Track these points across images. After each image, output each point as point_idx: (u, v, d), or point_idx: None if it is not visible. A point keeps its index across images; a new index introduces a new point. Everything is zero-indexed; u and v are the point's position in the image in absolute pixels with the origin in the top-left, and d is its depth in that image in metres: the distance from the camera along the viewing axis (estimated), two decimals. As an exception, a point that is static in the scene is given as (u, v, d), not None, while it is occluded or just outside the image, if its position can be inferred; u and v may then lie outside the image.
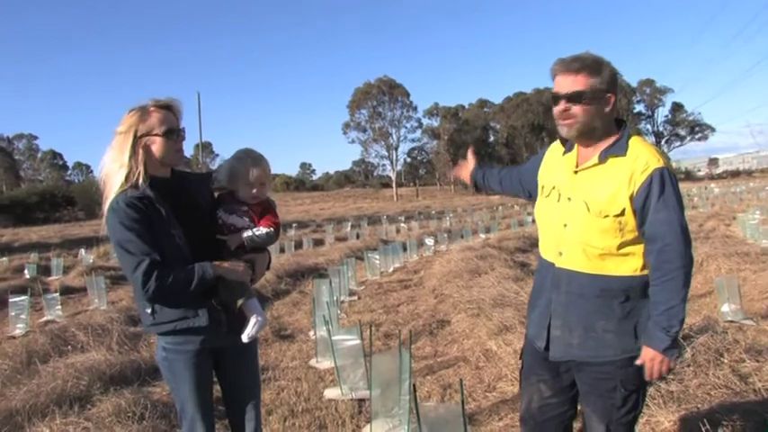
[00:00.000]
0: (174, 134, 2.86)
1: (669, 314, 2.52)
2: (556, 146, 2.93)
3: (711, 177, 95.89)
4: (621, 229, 2.58)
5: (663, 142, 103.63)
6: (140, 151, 2.79)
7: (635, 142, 2.65)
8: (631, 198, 2.55)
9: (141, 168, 2.78)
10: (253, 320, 3.01)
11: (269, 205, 3.17)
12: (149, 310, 2.83)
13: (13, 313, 9.20)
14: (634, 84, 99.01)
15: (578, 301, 2.68)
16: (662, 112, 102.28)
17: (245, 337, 2.99)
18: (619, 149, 2.62)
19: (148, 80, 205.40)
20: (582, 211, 2.63)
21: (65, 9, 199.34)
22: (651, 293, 2.59)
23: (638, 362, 2.59)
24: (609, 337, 2.65)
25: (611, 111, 2.64)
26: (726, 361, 4.90)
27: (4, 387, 5.73)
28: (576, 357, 2.72)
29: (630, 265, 2.62)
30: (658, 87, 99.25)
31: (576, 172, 2.70)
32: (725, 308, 7.19)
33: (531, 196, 3.10)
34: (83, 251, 21.51)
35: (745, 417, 4.00)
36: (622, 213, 2.56)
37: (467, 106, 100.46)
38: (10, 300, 9.40)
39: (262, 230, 3.06)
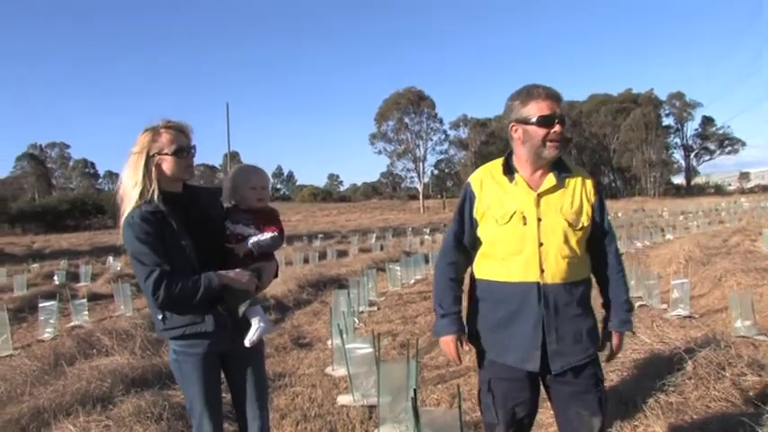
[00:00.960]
0: (183, 152, 3.09)
1: (629, 300, 3.07)
2: (488, 178, 3.06)
3: (742, 192, 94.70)
4: (586, 237, 2.97)
5: (692, 156, 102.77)
6: (153, 169, 3.03)
7: (570, 163, 3.04)
8: (592, 208, 2.96)
9: (155, 185, 3.02)
10: (255, 326, 3.21)
11: (272, 213, 3.39)
12: (160, 317, 3.05)
13: (42, 318, 9.53)
14: (663, 97, 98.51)
15: (565, 310, 2.89)
16: (691, 126, 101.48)
17: (247, 342, 3.20)
18: (567, 170, 2.98)
19: (179, 90, 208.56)
20: (561, 226, 2.88)
21: (97, 17, 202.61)
22: (613, 285, 3.07)
23: (614, 347, 3.08)
24: (588, 336, 2.95)
25: None
26: (727, 374, 4.98)
27: (33, 387, 5.99)
28: (572, 364, 2.91)
29: (587, 269, 3.05)
30: (687, 102, 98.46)
31: (538, 196, 2.91)
32: (738, 323, 7.24)
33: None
34: (111, 258, 21.98)
35: (739, 429, 4.11)
36: (589, 223, 2.95)
37: (492, 118, 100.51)
38: (40, 305, 9.73)
39: (266, 236, 3.26)
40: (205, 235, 3.13)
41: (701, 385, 4.87)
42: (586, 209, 2.94)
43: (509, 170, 3.01)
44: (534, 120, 2.85)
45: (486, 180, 3.07)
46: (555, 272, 2.87)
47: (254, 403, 3.34)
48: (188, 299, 2.97)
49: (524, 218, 2.90)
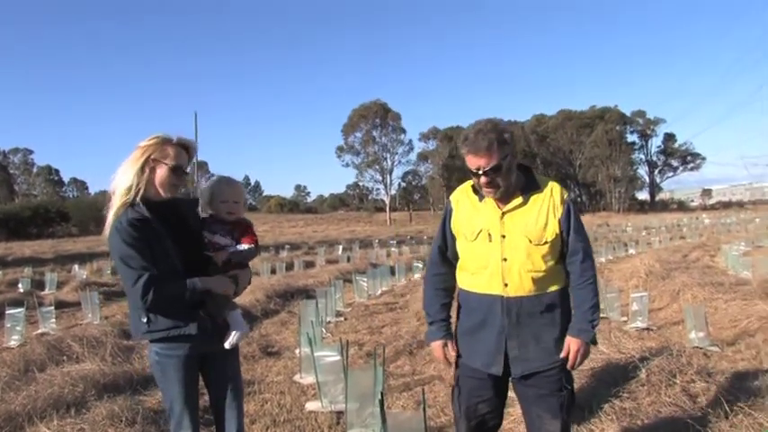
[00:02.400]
0: (179, 171, 3.24)
1: (592, 310, 3.14)
2: (463, 196, 3.31)
3: (704, 208, 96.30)
4: (554, 252, 3.13)
5: (656, 172, 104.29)
6: (146, 171, 3.17)
7: (543, 179, 3.21)
8: (559, 223, 3.10)
9: (142, 186, 3.15)
10: (234, 330, 3.39)
11: (248, 225, 3.56)
12: (145, 319, 3.16)
13: (8, 325, 9.46)
14: (628, 113, 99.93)
15: (528, 320, 3.12)
16: (655, 142, 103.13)
17: (227, 345, 3.37)
18: (536, 187, 3.16)
19: (146, 99, 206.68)
20: (523, 243, 3.09)
21: (64, 22, 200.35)
22: (576, 295, 3.18)
23: (562, 354, 3.12)
24: (557, 344, 3.13)
25: (516, 162, 3.11)
26: (678, 381, 5.25)
27: (4, 392, 6.01)
28: (534, 369, 3.13)
29: (559, 280, 3.19)
30: (650, 119, 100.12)
31: (503, 214, 3.13)
32: (692, 335, 7.52)
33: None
34: (76, 267, 21.77)
35: (683, 430, 4.37)
36: (555, 238, 3.10)
37: (465, 127, 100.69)
38: (6, 312, 9.68)
39: (244, 247, 3.45)
40: (185, 243, 3.26)
41: (653, 391, 5.13)
42: (552, 224, 3.10)
43: (478, 190, 3.20)
44: (468, 167, 3.08)
45: (461, 198, 3.31)
46: (518, 286, 3.09)
47: (232, 403, 3.48)
48: (174, 302, 3.12)
49: (489, 235, 3.13)
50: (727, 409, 4.42)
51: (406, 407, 5.76)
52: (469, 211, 3.24)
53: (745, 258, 15.67)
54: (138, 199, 3.14)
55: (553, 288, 3.15)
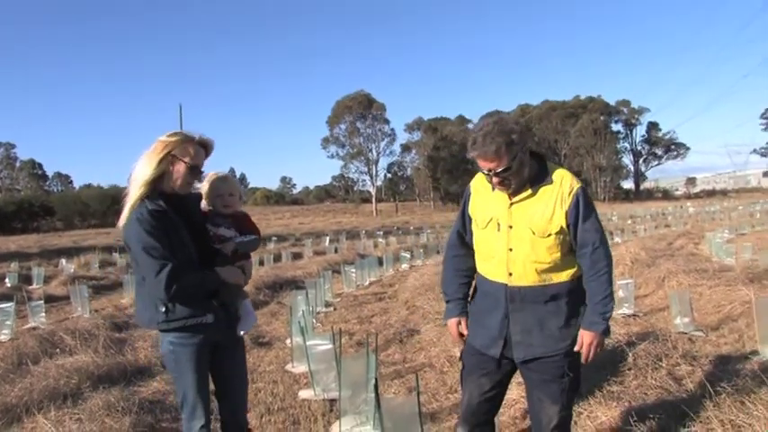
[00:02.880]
0: (196, 170, 3.31)
1: (604, 302, 3.10)
2: (480, 184, 3.34)
3: (689, 197, 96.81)
4: (561, 244, 3.12)
5: (641, 161, 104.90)
6: (166, 166, 3.23)
7: (555, 169, 3.19)
8: (566, 215, 3.09)
9: (161, 180, 3.23)
10: (246, 318, 3.56)
11: (247, 217, 3.68)
12: (163, 309, 3.20)
13: (-1, 319, 9.49)
14: (612, 103, 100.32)
15: (532, 307, 3.17)
16: (639, 132, 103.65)
17: (240, 332, 3.53)
18: (546, 178, 3.16)
19: (131, 91, 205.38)
20: (527, 235, 3.11)
21: (46, 16, 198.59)
22: (588, 287, 3.16)
23: (576, 347, 3.14)
24: (561, 332, 3.16)
25: (528, 156, 3.11)
26: (664, 365, 5.37)
27: (-1, 385, 6.08)
28: (537, 354, 3.18)
29: (569, 272, 3.17)
30: (635, 108, 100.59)
31: (511, 204, 3.16)
32: (677, 320, 7.65)
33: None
34: (63, 261, 21.76)
35: (670, 412, 4.49)
36: (561, 231, 3.09)
37: (453, 119, 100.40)
38: (-3, 306, 9.67)
39: (249, 237, 3.56)
40: (195, 235, 3.34)
41: (639, 375, 5.26)
42: (558, 216, 3.08)
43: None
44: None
45: (478, 186, 3.36)
46: (522, 276, 3.14)
47: (239, 390, 3.62)
48: (195, 291, 3.22)
49: (498, 224, 3.18)
50: (711, 390, 4.53)
51: (397, 394, 5.84)
52: (484, 198, 3.28)
53: (729, 245, 15.94)
54: (151, 189, 3.20)
55: (560, 278, 3.16)
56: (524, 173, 3.10)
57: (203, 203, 3.58)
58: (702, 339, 7.11)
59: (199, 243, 3.35)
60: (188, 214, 3.38)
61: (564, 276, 3.17)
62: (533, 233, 3.10)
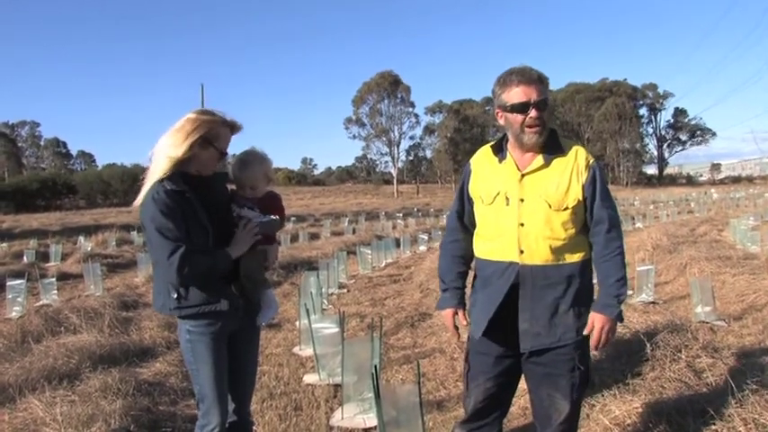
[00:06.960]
0: (224, 155, 3.17)
1: (619, 284, 2.91)
2: (483, 158, 3.15)
3: (713, 183, 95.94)
4: (576, 219, 2.92)
5: (665, 146, 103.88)
6: (196, 148, 3.03)
7: (568, 142, 3.00)
8: (582, 189, 2.90)
9: (184, 158, 3.02)
10: (267, 308, 3.41)
11: (274, 197, 3.50)
12: (175, 295, 3.05)
13: (10, 296, 9.44)
14: (638, 86, 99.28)
15: (545, 291, 2.93)
16: (664, 116, 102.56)
17: (261, 321, 3.41)
18: (559, 150, 2.95)
19: (153, 71, 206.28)
20: (542, 208, 2.90)
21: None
22: (601, 268, 2.96)
23: (585, 330, 2.92)
24: (570, 320, 2.94)
25: None
26: (683, 357, 5.12)
27: (-2, 363, 5.98)
28: (544, 345, 2.95)
29: (580, 251, 2.97)
30: (660, 93, 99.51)
31: (522, 176, 2.94)
32: (699, 309, 7.41)
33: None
34: (81, 239, 21.86)
35: (689, 408, 4.25)
36: (578, 204, 2.90)
37: (478, 100, 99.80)
38: (8, 283, 9.64)
39: (270, 217, 3.36)
40: (217, 217, 3.17)
41: (657, 366, 5.01)
42: (574, 189, 2.91)
43: (500, 150, 3.06)
44: (510, 106, 2.91)
45: (481, 160, 3.15)
46: (534, 253, 2.91)
47: (248, 379, 3.48)
48: (209, 274, 3.04)
49: (507, 198, 2.96)
50: (734, 385, 4.25)
51: (405, 380, 5.68)
52: (489, 172, 3.07)
53: (754, 233, 15.52)
54: (176, 169, 3.03)
55: (573, 258, 2.94)
56: (547, 126, 2.95)
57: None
58: (724, 330, 6.87)
59: (221, 226, 3.18)
60: (211, 194, 3.20)
61: (576, 257, 2.95)
62: (549, 206, 2.89)
